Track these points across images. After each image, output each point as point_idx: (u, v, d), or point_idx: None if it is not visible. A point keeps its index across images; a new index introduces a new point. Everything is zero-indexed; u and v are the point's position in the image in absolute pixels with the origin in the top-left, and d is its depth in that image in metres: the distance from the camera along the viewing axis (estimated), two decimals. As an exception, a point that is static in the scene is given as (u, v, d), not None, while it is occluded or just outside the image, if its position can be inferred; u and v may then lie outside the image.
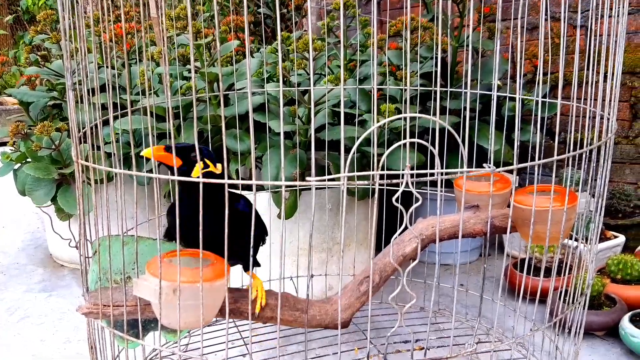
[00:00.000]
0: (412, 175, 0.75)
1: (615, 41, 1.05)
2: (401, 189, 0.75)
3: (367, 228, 1.71)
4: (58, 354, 1.54)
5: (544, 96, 2.11)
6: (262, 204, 1.59)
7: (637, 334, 1.45)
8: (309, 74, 1.53)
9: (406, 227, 0.83)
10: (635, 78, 2.06)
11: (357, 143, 0.75)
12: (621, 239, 1.87)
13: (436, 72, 1.82)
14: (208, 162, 0.97)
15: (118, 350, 1.15)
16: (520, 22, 1.07)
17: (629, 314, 1.53)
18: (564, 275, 1.57)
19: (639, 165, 2.10)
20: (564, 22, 0.97)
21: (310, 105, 1.56)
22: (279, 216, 1.61)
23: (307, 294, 0.96)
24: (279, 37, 0.80)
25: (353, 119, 1.69)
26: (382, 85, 1.80)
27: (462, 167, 0.80)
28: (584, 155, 1.05)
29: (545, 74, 2.17)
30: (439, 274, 1.94)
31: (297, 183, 0.78)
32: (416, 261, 0.87)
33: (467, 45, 1.97)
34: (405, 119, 1.69)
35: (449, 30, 1.90)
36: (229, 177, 1.69)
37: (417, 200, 0.78)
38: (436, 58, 1.85)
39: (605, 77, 1.04)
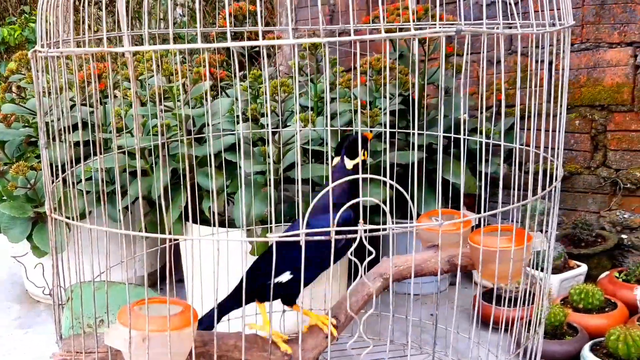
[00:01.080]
0: (365, 231, 0.81)
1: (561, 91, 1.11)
2: (354, 245, 0.80)
3: (337, 264, 1.75)
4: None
5: (508, 129, 2.18)
6: (233, 242, 1.63)
7: (597, 363, 1.51)
8: (278, 116, 1.59)
9: (361, 278, 0.88)
10: (595, 111, 2.15)
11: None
12: (583, 268, 1.94)
13: (400, 112, 1.88)
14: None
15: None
16: (484, 56, 1.13)
17: (590, 343, 1.59)
18: (530, 304, 1.63)
19: (601, 195, 2.18)
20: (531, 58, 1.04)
21: (280, 145, 1.62)
22: (251, 252, 1.65)
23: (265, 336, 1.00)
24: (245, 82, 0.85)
25: (323, 157, 1.74)
26: (351, 121, 1.86)
27: (411, 219, 0.86)
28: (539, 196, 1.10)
29: (509, 107, 2.24)
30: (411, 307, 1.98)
31: (259, 238, 0.83)
32: (372, 308, 0.92)
33: (430, 83, 2.04)
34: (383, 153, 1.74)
35: (416, 68, 1.97)
36: (202, 214, 1.73)
37: (370, 253, 0.83)
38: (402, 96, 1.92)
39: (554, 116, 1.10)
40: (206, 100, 1.65)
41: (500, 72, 1.08)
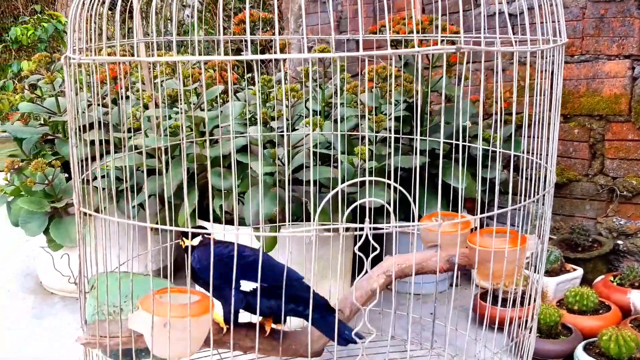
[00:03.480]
0: (370, 228, 0.88)
1: (551, 99, 1.18)
2: (360, 242, 0.87)
3: (343, 260, 1.83)
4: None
5: (509, 136, 2.25)
6: (243, 238, 1.70)
7: (589, 362, 1.58)
8: (288, 120, 1.66)
9: (366, 272, 0.95)
10: (593, 120, 2.22)
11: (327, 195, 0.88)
12: (579, 271, 2.01)
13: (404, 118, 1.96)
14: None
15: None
16: (485, 65, 1.20)
17: (583, 342, 1.66)
18: (526, 305, 1.70)
19: (598, 202, 2.25)
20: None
21: (289, 147, 1.69)
22: (259, 250, 1.72)
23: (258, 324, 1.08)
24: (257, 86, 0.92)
25: (329, 160, 1.82)
26: (357, 125, 1.93)
27: (413, 220, 0.93)
28: (531, 201, 1.18)
29: (510, 114, 2.31)
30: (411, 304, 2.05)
31: (271, 232, 0.90)
32: (375, 299, 0.99)
33: (435, 91, 2.11)
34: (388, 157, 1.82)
35: (420, 76, 2.05)
36: (214, 212, 1.81)
37: (374, 249, 0.90)
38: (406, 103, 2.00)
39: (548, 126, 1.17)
40: (218, 103, 1.73)
41: (505, 81, 1.15)
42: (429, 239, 1.35)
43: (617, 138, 2.17)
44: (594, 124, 2.22)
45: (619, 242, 2.17)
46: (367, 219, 0.89)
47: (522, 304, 1.45)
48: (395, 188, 1.05)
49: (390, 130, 1.87)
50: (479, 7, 2.37)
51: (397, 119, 2.01)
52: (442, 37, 1.69)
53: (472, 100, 2.31)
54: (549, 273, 1.98)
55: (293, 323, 1.81)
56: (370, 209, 1.44)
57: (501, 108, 1.40)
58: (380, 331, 1.75)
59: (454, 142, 1.81)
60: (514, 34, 1.15)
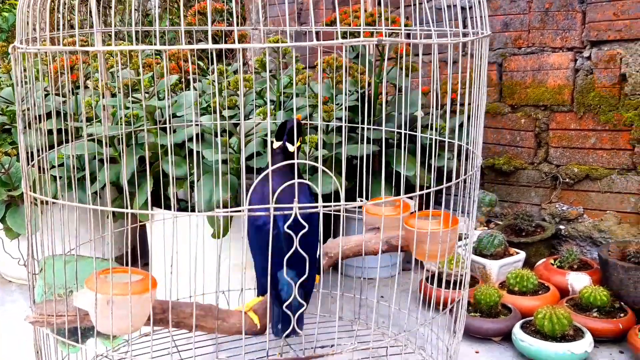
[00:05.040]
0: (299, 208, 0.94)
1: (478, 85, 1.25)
2: (289, 221, 0.93)
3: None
4: (5, 364, 1.67)
5: (460, 125, 2.33)
6: (195, 225, 1.75)
7: (525, 339, 1.66)
8: (238, 109, 1.71)
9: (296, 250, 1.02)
10: (539, 110, 2.31)
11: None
12: (522, 255, 2.10)
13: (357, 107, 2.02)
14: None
15: (61, 355, 1.30)
16: (436, 57, 1.25)
17: (521, 321, 1.75)
18: (457, 288, 1.77)
19: (542, 189, 2.34)
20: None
21: (241, 136, 1.74)
22: (213, 236, 1.77)
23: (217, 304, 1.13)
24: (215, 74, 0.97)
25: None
26: (311, 115, 1.99)
27: (339, 200, 0.99)
28: (460, 185, 1.25)
29: (462, 105, 2.39)
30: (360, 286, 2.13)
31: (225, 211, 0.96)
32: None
33: (386, 81, 2.18)
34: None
35: (373, 67, 2.11)
36: (167, 200, 1.85)
37: (303, 228, 0.97)
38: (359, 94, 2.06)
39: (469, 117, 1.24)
40: (171, 93, 1.77)
41: (457, 73, 1.22)
42: (369, 222, 1.42)
43: (561, 127, 2.27)
44: (539, 114, 2.31)
45: (561, 227, 2.27)
46: (295, 199, 0.95)
47: (460, 284, 1.53)
48: (342, 175, 1.12)
49: (342, 120, 1.93)
50: (431, 0, 2.44)
51: (350, 108, 2.07)
52: (386, 29, 1.76)
53: (424, 92, 2.38)
54: (493, 256, 2.07)
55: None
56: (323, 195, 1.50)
57: (454, 99, 1.46)
58: (329, 312, 1.82)
59: (402, 131, 1.89)
60: (457, 27, 1.22)
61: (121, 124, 1.78)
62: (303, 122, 1.96)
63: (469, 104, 1.31)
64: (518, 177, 2.39)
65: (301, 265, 1.08)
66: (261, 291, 1.24)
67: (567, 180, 2.26)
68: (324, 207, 1.02)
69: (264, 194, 1.06)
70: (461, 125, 1.86)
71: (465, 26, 1.27)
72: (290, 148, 1.17)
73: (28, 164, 1.15)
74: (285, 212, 0.96)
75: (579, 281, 1.92)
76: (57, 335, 1.11)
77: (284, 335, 1.19)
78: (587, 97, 2.17)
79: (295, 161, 1.12)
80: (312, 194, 1.21)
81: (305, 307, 1.18)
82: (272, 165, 1.11)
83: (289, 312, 1.15)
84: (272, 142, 1.17)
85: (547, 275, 1.99)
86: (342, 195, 1.02)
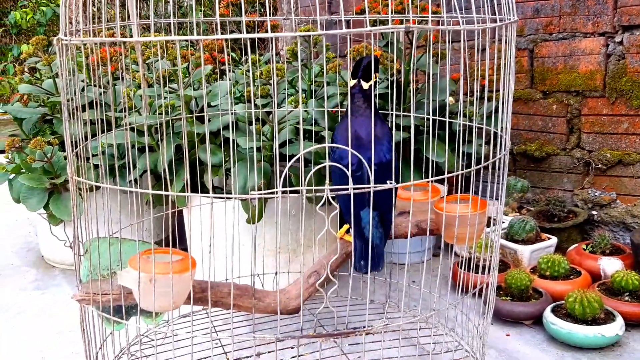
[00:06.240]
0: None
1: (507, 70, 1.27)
2: (320, 203, 0.97)
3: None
4: (51, 344, 1.74)
5: (490, 112, 2.34)
6: (231, 210, 1.80)
7: (556, 322, 1.68)
8: (272, 98, 1.76)
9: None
10: (571, 96, 2.31)
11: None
12: (553, 240, 2.10)
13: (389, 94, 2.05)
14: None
15: (105, 333, 1.36)
16: (465, 44, 1.27)
17: (552, 305, 1.76)
18: (486, 272, 1.79)
19: (575, 175, 2.34)
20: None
21: (274, 124, 1.79)
22: (247, 221, 1.83)
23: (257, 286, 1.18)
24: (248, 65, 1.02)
25: (314, 136, 1.91)
26: (342, 103, 2.02)
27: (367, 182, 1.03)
28: (489, 168, 1.27)
29: (491, 92, 2.40)
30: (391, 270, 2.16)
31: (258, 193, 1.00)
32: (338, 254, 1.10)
33: (417, 69, 2.20)
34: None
35: (402, 55, 2.14)
36: (204, 186, 1.91)
37: (334, 209, 1.00)
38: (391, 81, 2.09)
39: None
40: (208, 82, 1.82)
41: (485, 60, 1.24)
42: (400, 207, 1.45)
43: (593, 113, 2.26)
44: (571, 99, 2.31)
45: (594, 212, 2.27)
46: (327, 181, 0.99)
47: (490, 269, 1.56)
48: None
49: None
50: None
51: (380, 96, 2.10)
52: (415, 16, 1.78)
53: (454, 79, 2.40)
54: (525, 242, 2.08)
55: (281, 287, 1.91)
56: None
57: (484, 85, 1.47)
58: (360, 296, 1.86)
59: (432, 117, 1.91)
60: (484, 14, 1.24)
61: (160, 114, 1.84)
62: (333, 110, 2.00)
63: (497, 90, 1.33)
64: (550, 163, 2.39)
65: (381, 206, 1.19)
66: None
67: (599, 165, 2.25)
68: (354, 189, 1.05)
69: (349, 134, 1.14)
70: (491, 112, 1.88)
71: (494, 13, 1.29)
72: (365, 85, 1.21)
73: (73, 151, 1.21)
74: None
75: (611, 266, 1.93)
76: (103, 313, 1.17)
77: (367, 271, 1.26)
78: (619, 82, 2.16)
79: (328, 145, 1.15)
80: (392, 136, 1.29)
81: (384, 245, 1.27)
82: (350, 105, 1.17)
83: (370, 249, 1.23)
84: (350, 80, 1.23)
85: (579, 260, 2.00)
86: (372, 177, 1.05)
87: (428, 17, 1.11)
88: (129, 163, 1.88)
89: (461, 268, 1.98)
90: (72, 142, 1.20)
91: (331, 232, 1.24)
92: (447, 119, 1.31)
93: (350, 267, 1.34)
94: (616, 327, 1.64)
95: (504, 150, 1.25)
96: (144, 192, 1.05)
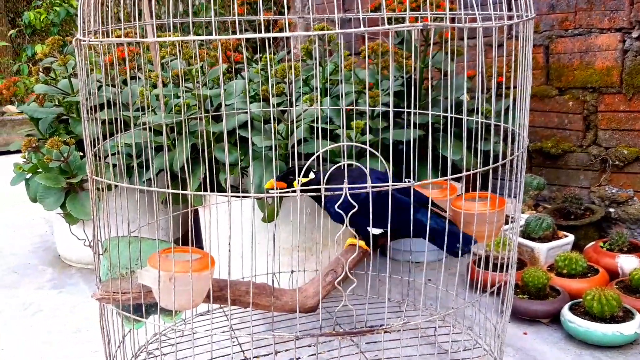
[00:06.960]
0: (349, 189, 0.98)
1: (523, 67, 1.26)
2: (340, 200, 0.97)
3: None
4: (69, 342, 1.76)
5: (507, 109, 2.33)
6: (247, 209, 1.81)
7: (574, 320, 1.67)
8: (287, 96, 1.76)
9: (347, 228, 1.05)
10: (587, 93, 2.29)
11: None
12: (570, 238, 2.09)
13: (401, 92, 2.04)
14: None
15: (124, 331, 1.37)
16: (481, 41, 1.27)
17: (570, 303, 1.75)
18: (504, 270, 1.78)
19: (591, 172, 2.33)
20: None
21: (289, 122, 1.79)
22: (263, 220, 1.83)
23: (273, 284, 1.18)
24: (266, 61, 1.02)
25: (329, 134, 1.91)
26: (357, 101, 2.02)
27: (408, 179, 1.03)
28: (507, 166, 1.26)
29: (507, 88, 2.38)
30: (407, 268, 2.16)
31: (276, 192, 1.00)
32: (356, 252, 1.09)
33: (432, 65, 2.19)
34: (373, 133, 1.91)
35: (418, 52, 2.13)
36: (219, 185, 1.91)
37: (352, 207, 1.00)
38: (403, 78, 2.08)
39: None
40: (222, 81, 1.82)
41: (502, 56, 1.23)
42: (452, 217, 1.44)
43: (610, 109, 2.24)
44: (587, 96, 2.29)
45: (611, 209, 2.25)
46: (345, 181, 0.99)
47: (507, 267, 1.55)
48: (389, 159, 1.15)
49: (388, 105, 1.96)
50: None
51: (395, 94, 2.09)
52: (431, 14, 1.77)
53: (469, 76, 2.38)
54: (541, 240, 2.07)
55: (296, 285, 1.92)
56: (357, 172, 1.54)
57: (500, 82, 1.47)
58: (377, 295, 1.86)
59: (448, 115, 1.90)
60: (501, 10, 1.23)
61: (176, 113, 1.84)
62: (348, 108, 2.00)
63: (514, 87, 1.32)
64: (566, 160, 2.38)
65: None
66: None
67: (616, 162, 2.24)
68: (372, 187, 1.05)
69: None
70: (507, 108, 1.87)
71: (510, 9, 1.28)
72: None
73: (92, 151, 1.21)
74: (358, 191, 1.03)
75: (629, 263, 1.91)
76: (122, 311, 1.18)
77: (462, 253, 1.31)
78: (636, 79, 2.15)
79: (345, 144, 1.15)
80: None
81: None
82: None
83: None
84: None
85: (596, 257, 1.99)
86: (390, 175, 1.05)
87: (444, 14, 1.11)
88: (145, 162, 1.89)
89: (478, 266, 1.98)
90: (91, 142, 1.21)
91: (350, 230, 1.23)
92: (464, 117, 1.30)
93: (367, 267, 1.34)
94: (635, 325, 1.63)
95: (522, 147, 1.25)
96: (162, 191, 1.05)
